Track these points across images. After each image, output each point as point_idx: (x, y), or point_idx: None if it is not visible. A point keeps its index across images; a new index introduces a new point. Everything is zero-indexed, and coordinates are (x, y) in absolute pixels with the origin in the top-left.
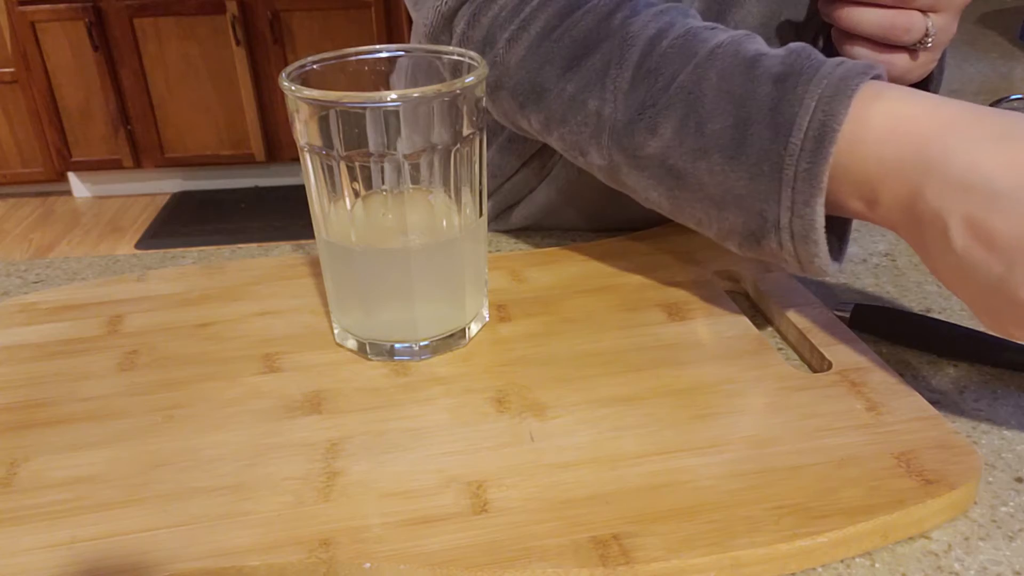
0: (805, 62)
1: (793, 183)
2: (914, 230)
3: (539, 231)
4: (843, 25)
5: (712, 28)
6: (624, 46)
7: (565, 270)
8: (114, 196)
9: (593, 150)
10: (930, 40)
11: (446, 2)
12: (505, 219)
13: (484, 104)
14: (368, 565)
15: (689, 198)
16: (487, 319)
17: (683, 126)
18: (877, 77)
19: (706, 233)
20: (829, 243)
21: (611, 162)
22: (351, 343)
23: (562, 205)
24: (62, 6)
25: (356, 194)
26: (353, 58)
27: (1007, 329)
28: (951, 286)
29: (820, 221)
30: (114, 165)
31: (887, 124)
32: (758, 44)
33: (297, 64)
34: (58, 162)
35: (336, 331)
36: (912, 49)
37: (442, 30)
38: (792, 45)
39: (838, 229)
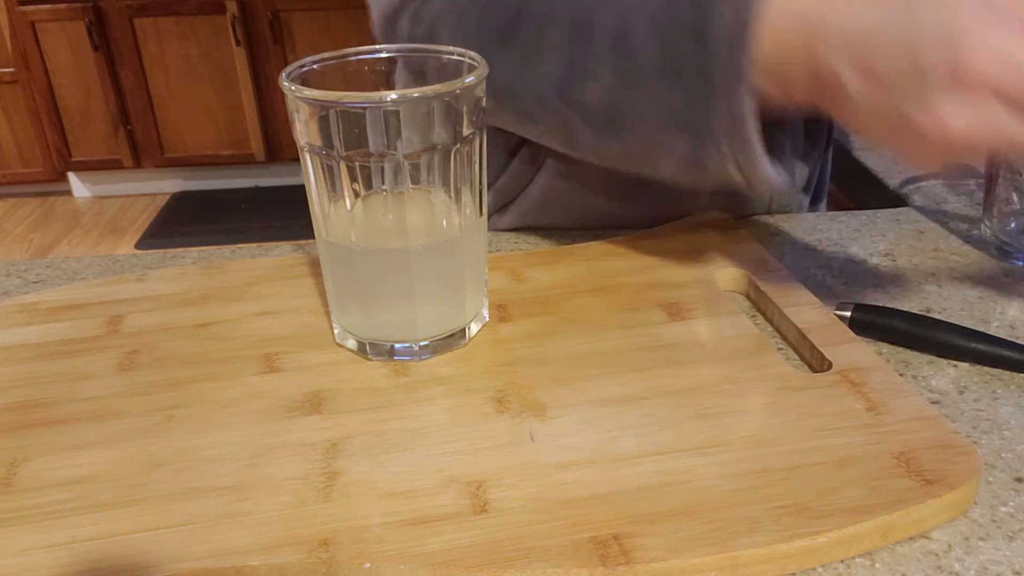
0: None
1: (724, 86)
2: (821, 93)
3: (539, 231)
4: None
5: None
6: (548, 9)
7: (565, 270)
8: (114, 196)
9: (546, 116)
10: None
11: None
12: (501, 217)
13: (484, 104)
14: (368, 565)
15: (638, 137)
16: (487, 319)
17: (619, 63)
18: None
19: (661, 174)
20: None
21: (564, 123)
22: (351, 343)
23: (557, 199)
24: (62, 6)
25: (356, 194)
26: (353, 58)
27: (919, 158)
28: (864, 133)
29: (751, 119)
30: (114, 165)
31: (779, 12)
32: None
33: (297, 64)
34: (58, 162)
35: (336, 331)
36: None
37: (388, 30)
38: None
39: (776, 150)
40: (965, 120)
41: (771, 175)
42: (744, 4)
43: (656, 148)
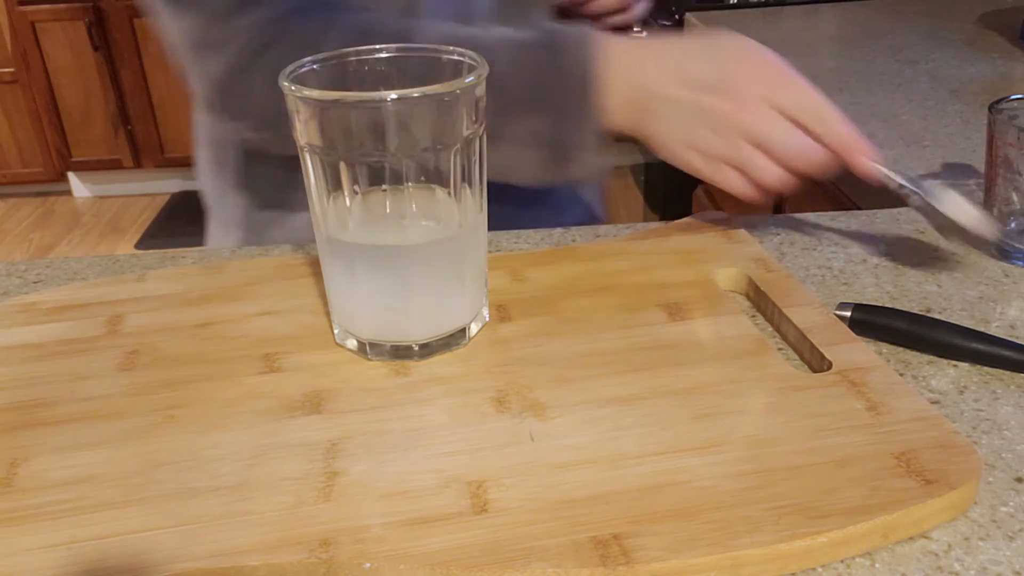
0: (558, 34)
1: (577, 115)
2: (639, 121)
3: (539, 231)
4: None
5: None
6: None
7: (565, 270)
8: (114, 196)
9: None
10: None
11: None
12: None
13: (484, 104)
14: (368, 565)
15: (505, 152)
16: (487, 319)
17: (496, 100)
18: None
19: (515, 175)
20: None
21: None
22: (351, 343)
23: None
24: (62, 6)
25: (356, 193)
26: (353, 58)
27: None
28: (681, 156)
29: (594, 130)
30: (114, 165)
31: (609, 62)
32: (505, 30)
33: (297, 64)
34: (58, 162)
35: (336, 331)
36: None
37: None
38: (541, 25)
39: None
40: (733, 151)
41: (602, 169)
42: (587, 57)
43: (520, 159)
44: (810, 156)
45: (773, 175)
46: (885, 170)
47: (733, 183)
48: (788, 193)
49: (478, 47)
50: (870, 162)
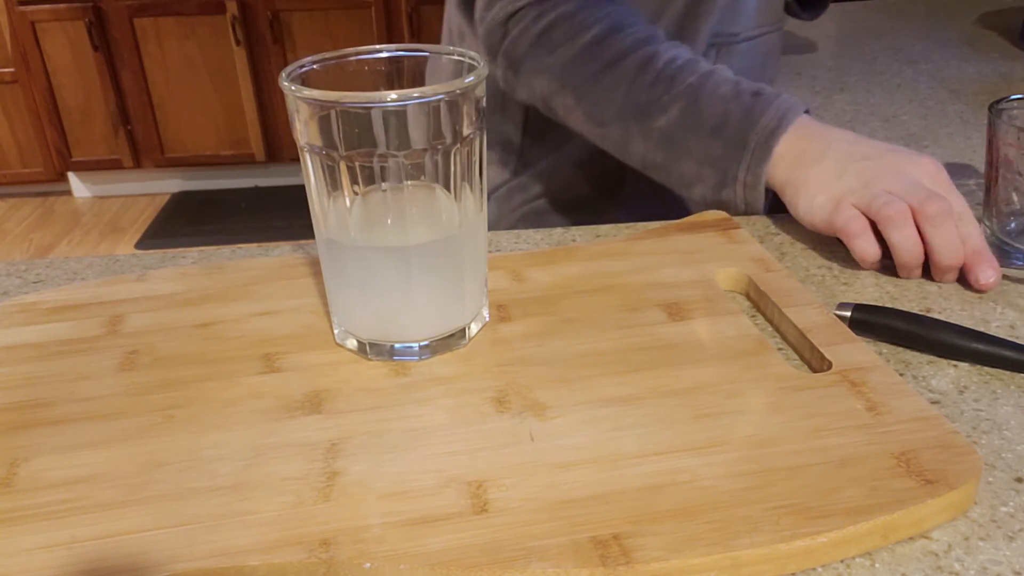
0: (768, 89)
1: (752, 153)
2: (798, 170)
3: (539, 231)
4: None
5: (704, 60)
6: (652, 59)
7: (565, 270)
8: (114, 196)
9: (615, 127)
10: None
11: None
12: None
13: (484, 104)
14: (368, 565)
15: (679, 159)
16: (487, 319)
17: (686, 109)
18: (807, 111)
19: (679, 184)
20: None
21: (626, 132)
22: (351, 343)
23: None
24: (62, 6)
25: (356, 193)
26: (353, 58)
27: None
28: (824, 202)
29: (764, 178)
30: (114, 165)
31: (796, 135)
32: (731, 74)
33: (297, 64)
34: (58, 162)
35: (336, 331)
36: None
37: (498, 31)
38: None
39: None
40: (864, 197)
41: (761, 208)
42: (781, 121)
43: (690, 173)
44: (950, 246)
45: (909, 241)
46: (1005, 271)
47: (868, 249)
48: (904, 276)
49: (711, 73)
50: (992, 277)
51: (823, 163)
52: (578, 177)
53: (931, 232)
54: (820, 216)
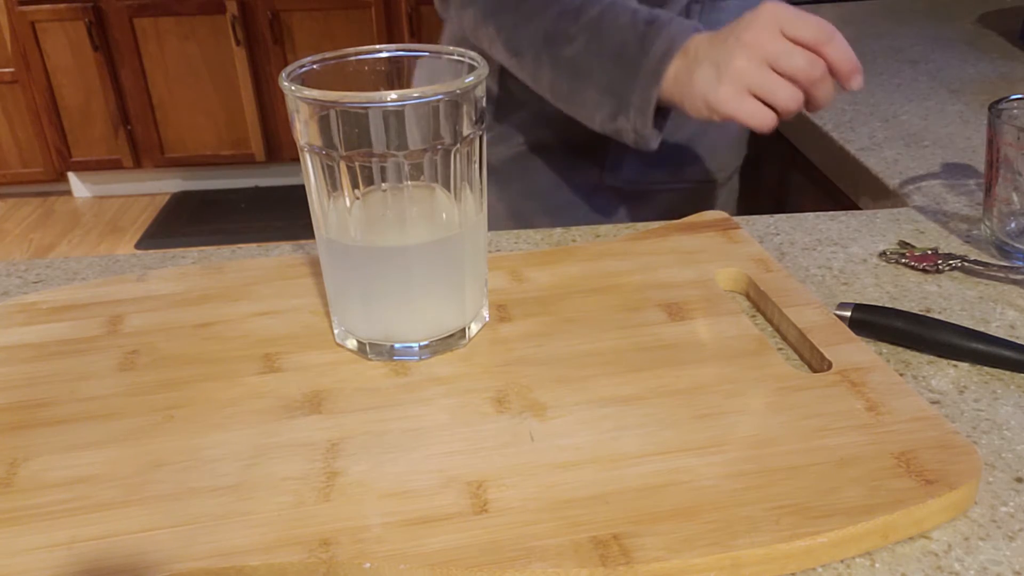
0: (663, 15)
1: (642, 78)
2: (682, 87)
3: (539, 231)
4: None
5: None
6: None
7: (565, 270)
8: (114, 196)
9: (528, 56)
10: None
11: None
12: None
13: (484, 104)
14: (368, 565)
15: (583, 87)
16: (487, 319)
17: (590, 39)
18: (697, 30)
19: (584, 114)
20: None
21: (537, 62)
22: (351, 343)
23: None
24: (62, 6)
25: (356, 194)
26: (353, 58)
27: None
28: (711, 99)
29: (654, 102)
30: (114, 165)
31: (683, 57)
32: (634, 3)
33: (297, 64)
34: (58, 162)
35: (336, 331)
36: None
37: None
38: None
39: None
40: (750, 78)
41: (651, 136)
42: (672, 44)
43: (591, 101)
44: (812, 71)
45: (790, 95)
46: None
47: (756, 112)
48: (794, 112)
49: (614, 4)
50: (860, 80)
51: (695, 69)
52: (553, 134)
53: (802, 69)
54: (725, 110)
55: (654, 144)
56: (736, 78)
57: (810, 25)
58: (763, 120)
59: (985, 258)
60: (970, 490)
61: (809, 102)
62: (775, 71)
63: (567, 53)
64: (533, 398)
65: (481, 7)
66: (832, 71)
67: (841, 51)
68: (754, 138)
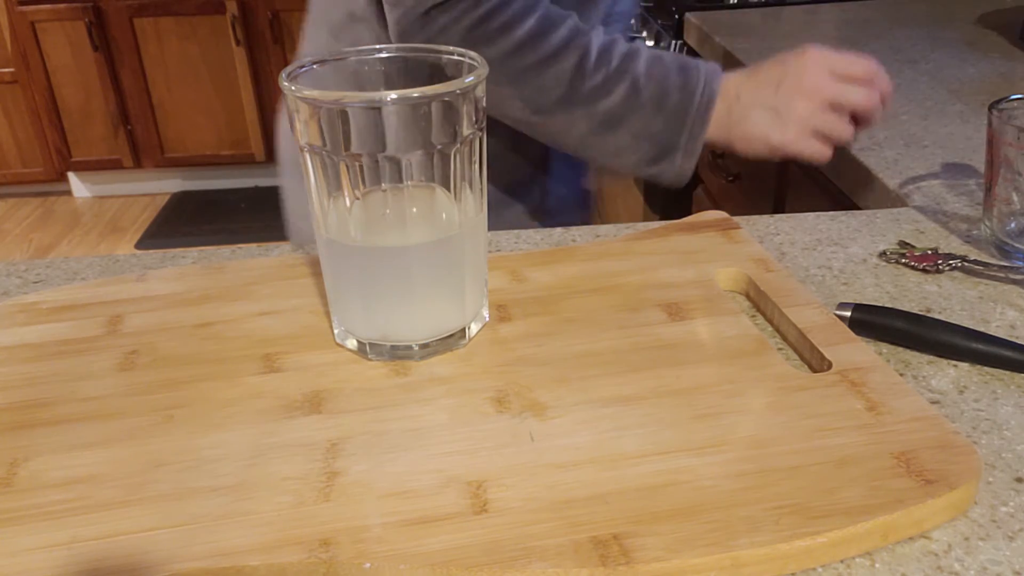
0: (691, 62)
1: (693, 123)
2: (730, 130)
3: (539, 231)
4: None
5: (631, 40)
6: (588, 48)
7: (565, 270)
8: (114, 196)
9: (557, 109)
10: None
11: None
12: None
13: (484, 104)
14: (368, 565)
15: (619, 136)
16: (487, 319)
17: (628, 92)
18: (721, 72)
19: (615, 160)
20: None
21: (569, 117)
22: (351, 343)
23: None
24: (62, 6)
25: (356, 193)
26: (353, 58)
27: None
28: (770, 140)
29: (702, 143)
30: (114, 165)
31: (722, 98)
32: (654, 50)
33: (297, 64)
34: (58, 162)
35: (336, 331)
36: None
37: (419, 20)
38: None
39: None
40: (815, 120)
41: (687, 178)
42: (712, 90)
43: (627, 147)
44: (871, 102)
45: (846, 129)
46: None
47: (820, 150)
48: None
49: (637, 53)
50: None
51: (747, 114)
52: (509, 155)
53: (859, 104)
54: (788, 150)
55: (688, 177)
56: (801, 123)
57: (858, 63)
58: (825, 155)
59: (985, 258)
60: (970, 490)
61: (860, 126)
62: (832, 110)
63: (605, 107)
64: (533, 398)
65: (495, 67)
66: (882, 98)
67: (887, 81)
68: None
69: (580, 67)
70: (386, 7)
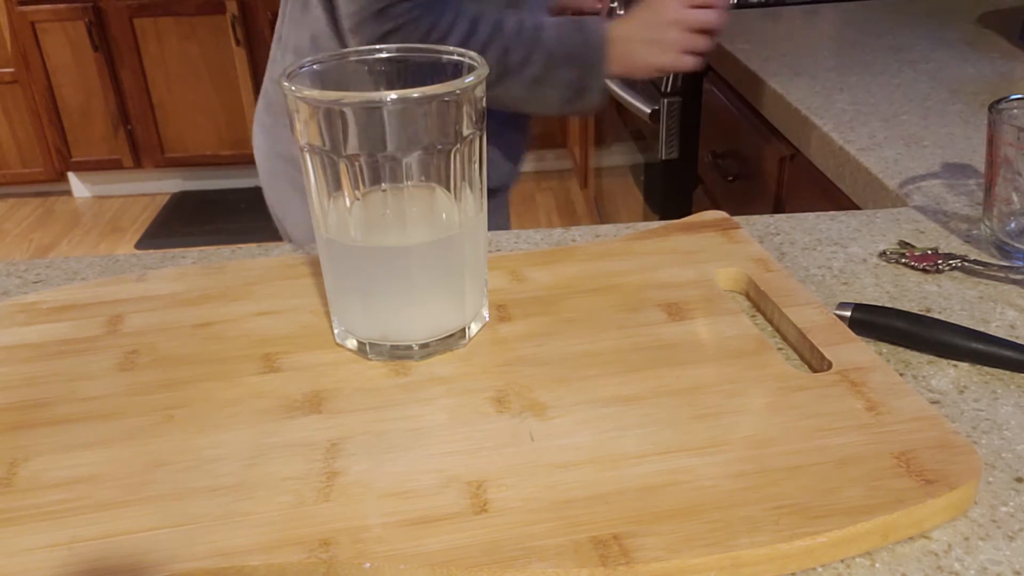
0: (581, 20)
1: (597, 67)
2: (625, 63)
3: (539, 231)
4: None
5: (532, 15)
6: (504, 32)
7: (565, 270)
8: (114, 196)
9: (496, 86)
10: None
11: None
12: None
13: (484, 104)
14: (368, 565)
15: (545, 90)
16: (487, 319)
17: (545, 57)
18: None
19: (542, 108)
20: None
21: (506, 88)
22: (351, 343)
23: None
24: (62, 6)
25: (356, 193)
26: (353, 58)
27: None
28: (654, 64)
29: (605, 78)
30: (114, 165)
31: (610, 35)
32: (551, 18)
33: (297, 64)
34: (58, 162)
35: (336, 331)
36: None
37: (370, 20)
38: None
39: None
40: (683, 42)
41: (600, 105)
42: (602, 38)
43: (551, 97)
44: (719, 19)
45: (708, 42)
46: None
47: (689, 62)
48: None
49: (542, 26)
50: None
51: (633, 48)
52: None
53: (708, 23)
54: (666, 68)
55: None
56: (674, 46)
57: None
58: (697, 64)
59: (985, 258)
60: (970, 490)
61: (712, 36)
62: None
63: (529, 73)
64: (533, 398)
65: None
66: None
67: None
68: (753, 131)
69: (505, 49)
70: (343, 17)
